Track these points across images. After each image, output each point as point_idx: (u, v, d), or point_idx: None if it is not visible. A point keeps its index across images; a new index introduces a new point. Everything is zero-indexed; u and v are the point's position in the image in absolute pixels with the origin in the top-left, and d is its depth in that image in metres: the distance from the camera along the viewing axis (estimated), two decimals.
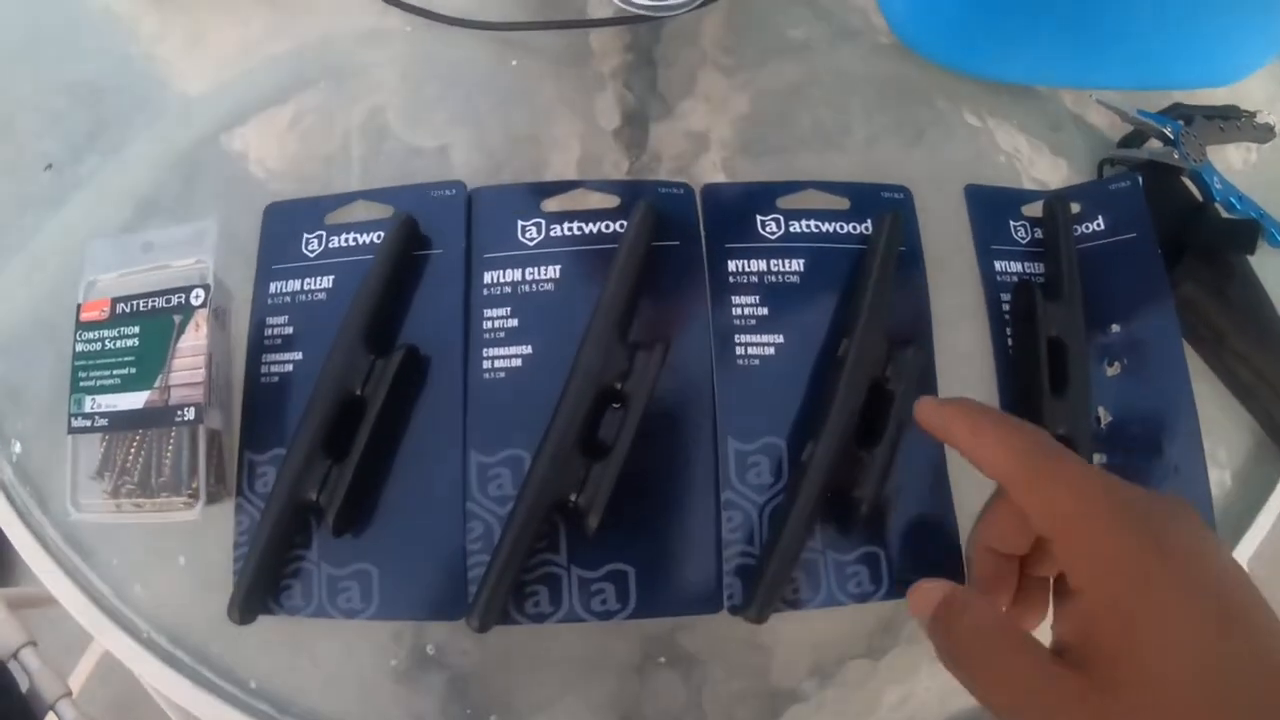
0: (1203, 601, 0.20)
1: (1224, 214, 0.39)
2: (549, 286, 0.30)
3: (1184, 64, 0.40)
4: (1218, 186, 0.40)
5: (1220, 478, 0.37)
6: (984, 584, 0.25)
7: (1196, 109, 0.41)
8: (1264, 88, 0.43)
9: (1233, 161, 0.42)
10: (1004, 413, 0.24)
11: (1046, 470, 0.21)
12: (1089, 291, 0.34)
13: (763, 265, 0.31)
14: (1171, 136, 0.39)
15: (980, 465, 0.23)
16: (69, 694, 0.42)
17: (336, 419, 0.29)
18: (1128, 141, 0.41)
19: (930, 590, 0.24)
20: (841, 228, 0.32)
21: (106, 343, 0.32)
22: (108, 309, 0.32)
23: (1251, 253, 0.38)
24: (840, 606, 0.28)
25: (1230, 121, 0.42)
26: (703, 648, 0.31)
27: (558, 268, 0.31)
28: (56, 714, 0.42)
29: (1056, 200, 0.35)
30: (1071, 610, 0.22)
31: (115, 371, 0.32)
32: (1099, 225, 0.36)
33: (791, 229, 0.31)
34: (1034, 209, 0.36)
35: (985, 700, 0.22)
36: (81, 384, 0.32)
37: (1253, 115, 0.43)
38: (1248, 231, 0.38)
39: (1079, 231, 0.35)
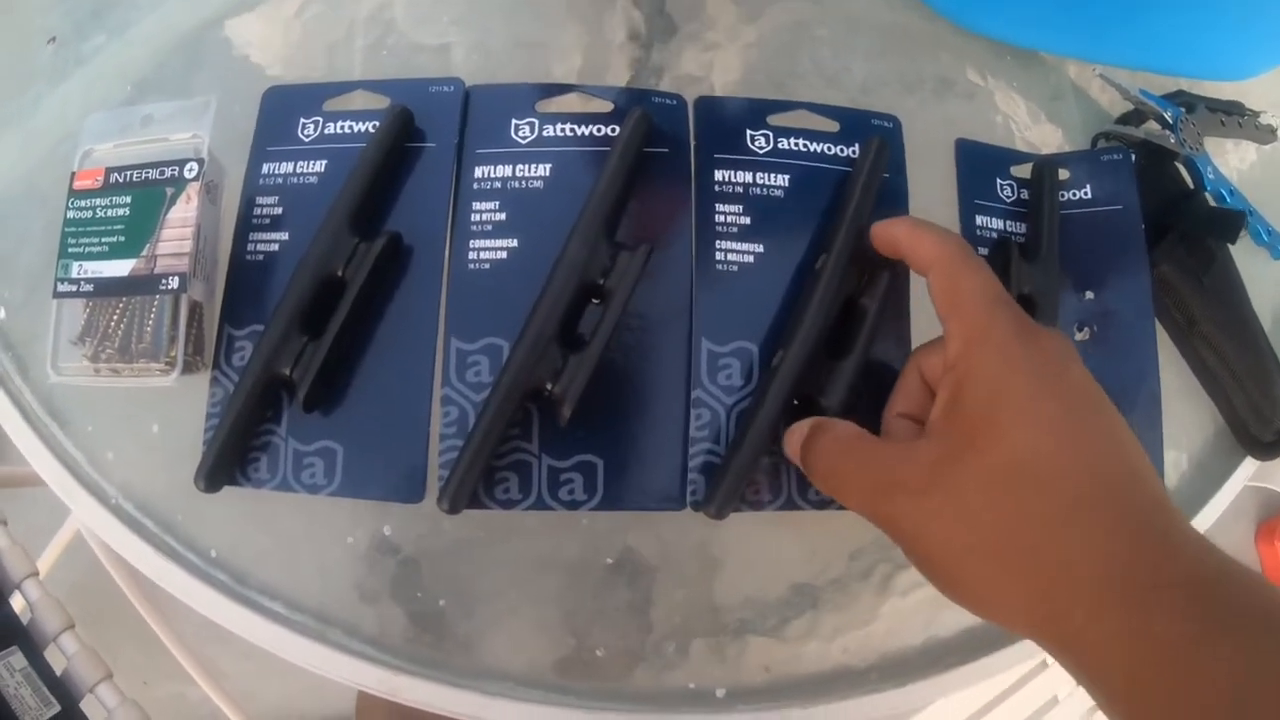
0: (1065, 398, 0.22)
1: (1213, 204, 0.40)
2: (538, 184, 0.31)
3: (1195, 54, 0.40)
4: (1210, 177, 0.40)
5: (1177, 459, 0.38)
6: (897, 392, 0.28)
7: (1200, 99, 0.41)
8: (1267, 92, 0.44)
9: (1230, 160, 0.43)
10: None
11: (963, 262, 0.25)
12: (1068, 256, 0.34)
13: (749, 177, 0.31)
14: (1171, 121, 0.39)
15: (915, 257, 0.26)
16: (35, 573, 0.42)
17: (316, 297, 0.29)
18: (1126, 119, 0.41)
19: (799, 426, 0.27)
20: (829, 149, 0.32)
21: (98, 211, 0.32)
22: (101, 178, 0.33)
23: (1233, 242, 0.38)
24: (797, 512, 0.29)
25: (1233, 117, 0.42)
26: (653, 554, 0.31)
27: (548, 166, 0.31)
28: (22, 593, 0.43)
29: (1046, 164, 0.36)
30: (945, 383, 0.24)
31: (104, 239, 0.32)
32: (1086, 194, 0.36)
33: (780, 145, 0.32)
34: (1022, 170, 0.36)
35: (851, 500, 0.25)
36: (70, 250, 0.32)
37: (1257, 115, 0.43)
38: (1233, 221, 0.38)
39: (1065, 197, 0.36)
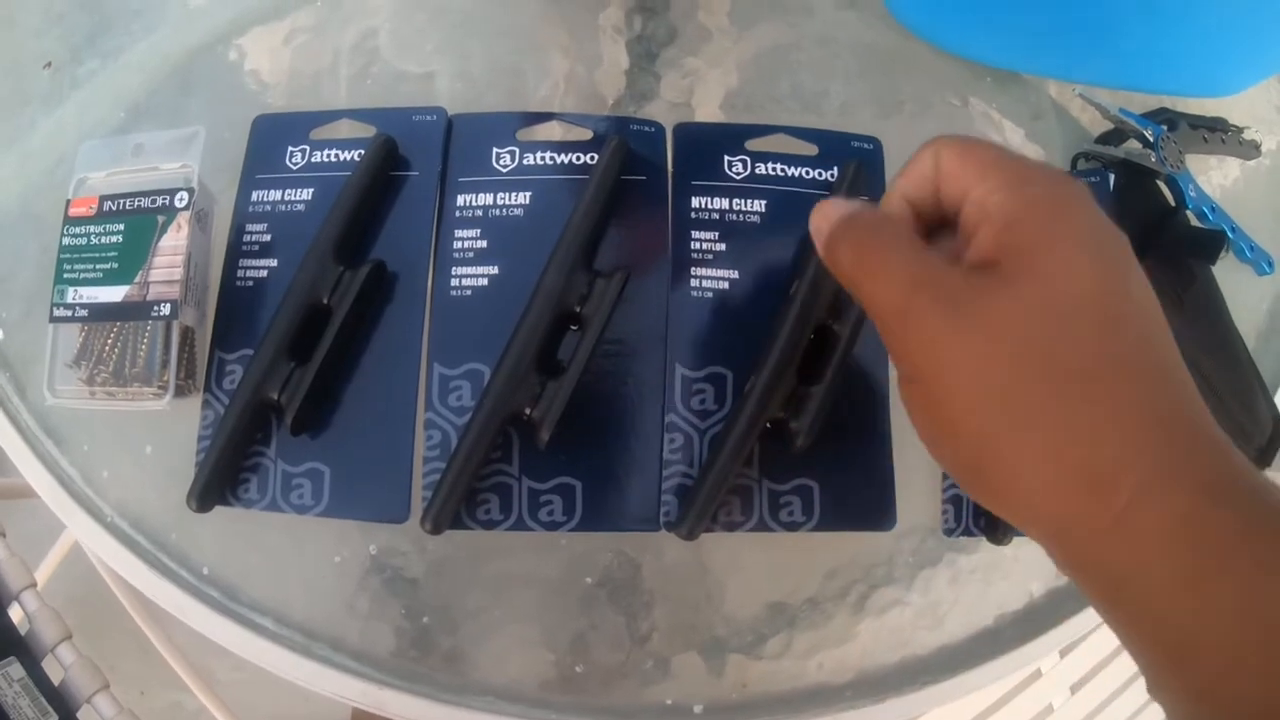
0: (1109, 244, 0.19)
1: (1194, 222, 0.40)
2: (518, 212, 0.31)
3: (1176, 71, 0.40)
4: (1192, 195, 0.40)
5: None
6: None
7: (1183, 116, 0.42)
8: (1251, 107, 0.44)
9: (1214, 178, 0.43)
10: None
11: (977, 145, 0.21)
12: None
13: (725, 203, 0.32)
14: (1151, 139, 0.40)
15: (921, 172, 0.22)
16: (33, 585, 0.43)
17: (303, 325, 0.30)
18: (1106, 139, 0.41)
19: (833, 204, 0.22)
20: (807, 173, 0.33)
21: (92, 238, 0.33)
22: (95, 206, 0.33)
23: (1213, 262, 0.38)
24: (771, 534, 0.30)
25: (1215, 133, 0.43)
26: (632, 574, 0.32)
27: (528, 194, 0.32)
28: (20, 603, 0.44)
29: None
30: (992, 208, 0.20)
31: (98, 266, 0.33)
32: None
33: (758, 170, 0.32)
34: None
35: (880, 291, 0.20)
36: (65, 276, 0.33)
37: (1240, 130, 0.44)
38: (1213, 241, 0.38)
39: None
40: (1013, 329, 0.18)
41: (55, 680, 0.43)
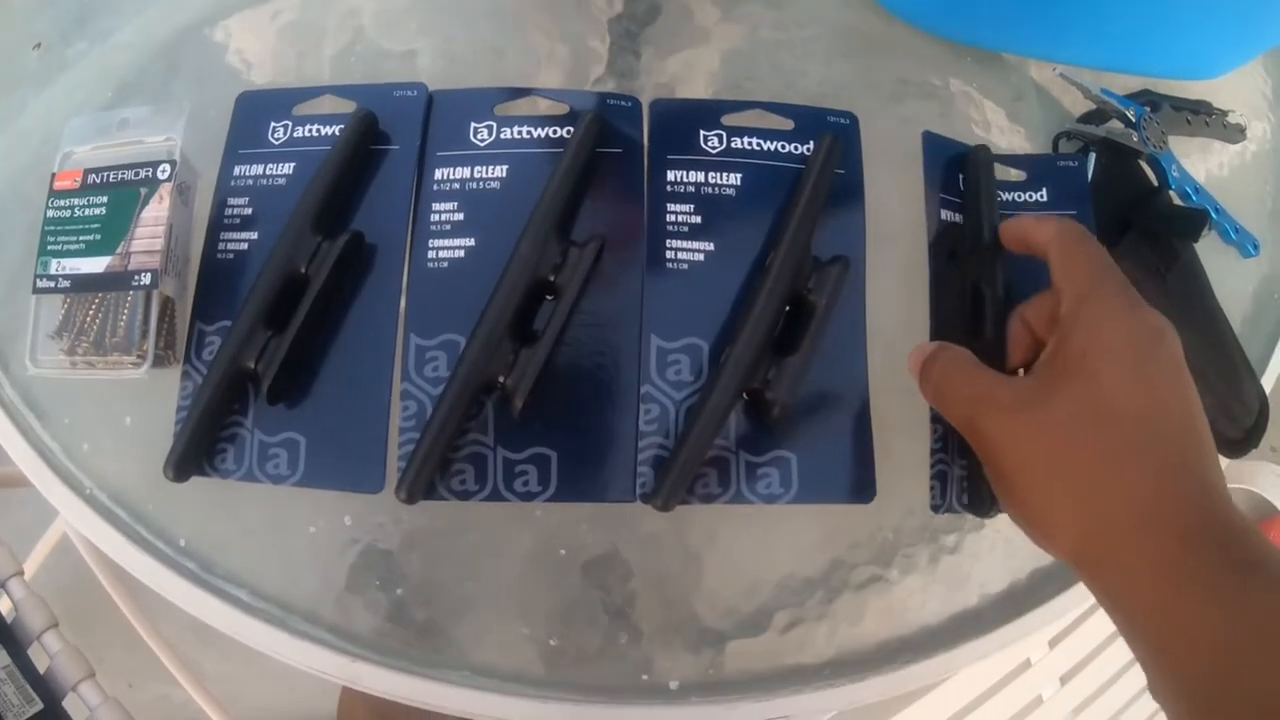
0: (1151, 360, 0.25)
1: (1177, 202, 0.40)
2: (495, 185, 0.32)
3: (1159, 53, 0.40)
4: (1175, 175, 0.40)
5: None
6: (1010, 343, 0.31)
7: (1166, 98, 0.42)
8: (1236, 92, 0.44)
9: (1201, 160, 0.43)
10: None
11: (1079, 236, 0.28)
12: (1026, 257, 0.34)
13: (701, 177, 0.32)
14: (1133, 120, 0.40)
15: (1038, 237, 0.29)
16: (20, 573, 0.43)
17: (280, 294, 0.30)
18: (1088, 119, 0.41)
19: (925, 345, 0.30)
20: (783, 147, 0.33)
21: (75, 210, 0.33)
22: (80, 179, 0.34)
23: (1196, 240, 0.38)
24: (749, 505, 0.29)
25: (1199, 116, 0.43)
26: (608, 547, 0.32)
27: (505, 168, 0.32)
28: (7, 591, 0.44)
29: (979, 149, 0.35)
30: (1055, 335, 0.27)
31: (81, 237, 0.33)
32: (1042, 196, 0.37)
33: (734, 145, 0.32)
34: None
35: (952, 408, 0.28)
36: (49, 248, 0.33)
37: (1225, 114, 0.44)
38: (1195, 219, 0.38)
39: (1022, 199, 0.36)
40: (1047, 429, 0.25)
41: (40, 668, 0.43)
